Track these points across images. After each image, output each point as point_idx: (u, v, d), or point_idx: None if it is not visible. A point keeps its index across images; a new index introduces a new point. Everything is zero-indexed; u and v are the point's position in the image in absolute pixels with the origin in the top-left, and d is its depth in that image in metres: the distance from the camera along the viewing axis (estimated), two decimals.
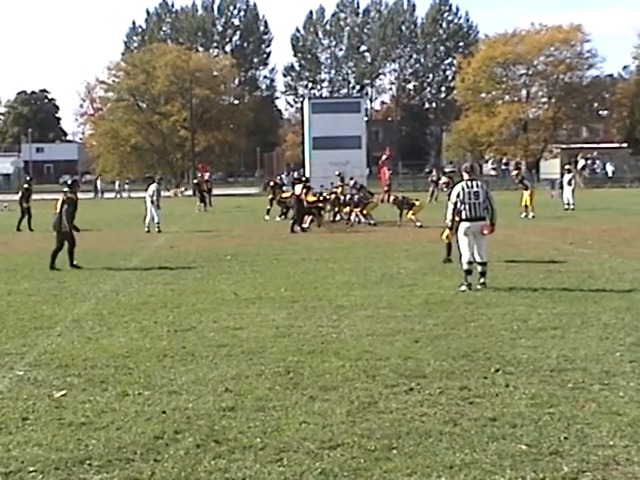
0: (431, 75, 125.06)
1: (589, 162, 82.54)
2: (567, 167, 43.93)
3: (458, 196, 14.77)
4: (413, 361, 9.33)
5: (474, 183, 14.88)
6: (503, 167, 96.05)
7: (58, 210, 18.66)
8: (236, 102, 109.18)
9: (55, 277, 17.43)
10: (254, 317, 12.34)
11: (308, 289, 15.03)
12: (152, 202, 30.37)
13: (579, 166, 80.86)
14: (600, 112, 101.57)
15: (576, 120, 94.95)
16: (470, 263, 14.59)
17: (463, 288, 14.37)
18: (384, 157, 39.04)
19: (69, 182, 19.85)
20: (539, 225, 28.75)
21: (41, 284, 16.41)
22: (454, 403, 7.71)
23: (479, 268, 14.60)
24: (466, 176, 15.02)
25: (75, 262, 18.67)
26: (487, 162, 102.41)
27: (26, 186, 33.94)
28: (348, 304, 13.28)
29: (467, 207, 14.65)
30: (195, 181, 39.75)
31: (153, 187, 30.97)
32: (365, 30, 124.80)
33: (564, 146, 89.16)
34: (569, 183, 38.46)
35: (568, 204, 37.35)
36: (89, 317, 12.64)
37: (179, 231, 30.19)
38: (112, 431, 7.07)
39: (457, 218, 14.91)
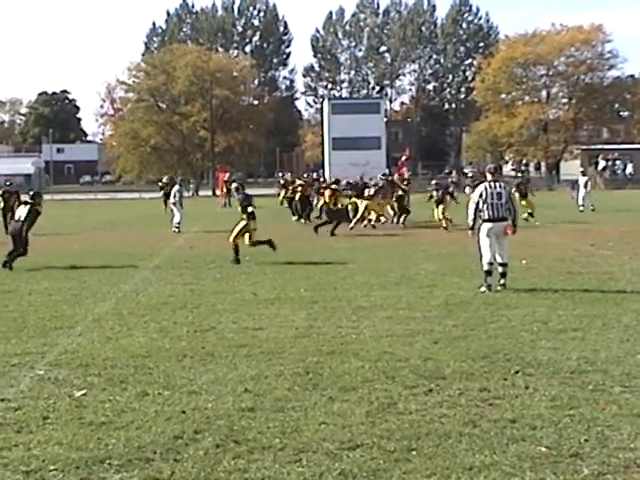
0: (451, 76, 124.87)
1: (610, 163, 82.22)
2: (582, 170, 43.79)
3: (480, 196, 14.68)
4: (432, 362, 9.31)
5: (497, 184, 14.79)
6: (523, 168, 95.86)
7: (22, 218, 19.40)
8: (256, 103, 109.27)
9: (75, 277, 17.49)
10: (273, 318, 12.34)
11: (327, 290, 15.03)
12: (174, 203, 30.67)
13: (599, 167, 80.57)
14: (621, 113, 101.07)
15: (597, 121, 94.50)
16: (491, 264, 14.49)
17: (483, 289, 14.31)
18: (403, 158, 38.90)
19: (31, 194, 20.39)
20: (559, 226, 28.63)
21: (61, 284, 16.48)
22: (474, 404, 7.68)
23: (500, 269, 14.51)
24: (489, 177, 14.95)
25: (10, 265, 19.16)
26: (507, 163, 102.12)
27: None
28: (367, 305, 13.27)
29: (490, 207, 14.56)
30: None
31: (175, 188, 31.30)
32: (385, 31, 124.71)
33: (584, 147, 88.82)
34: (585, 186, 38.42)
35: (583, 205, 37.44)
36: (109, 317, 12.67)
37: (199, 231, 30.25)
38: (132, 430, 7.08)
39: (479, 219, 14.81)
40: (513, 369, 8.92)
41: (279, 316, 12.46)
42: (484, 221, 14.64)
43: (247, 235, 19.98)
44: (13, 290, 15.81)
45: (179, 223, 30.12)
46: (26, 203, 19.89)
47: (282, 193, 43.51)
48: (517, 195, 29.30)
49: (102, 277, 17.44)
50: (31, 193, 20.47)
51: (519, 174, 42.30)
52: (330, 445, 6.64)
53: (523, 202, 30.11)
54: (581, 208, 37.39)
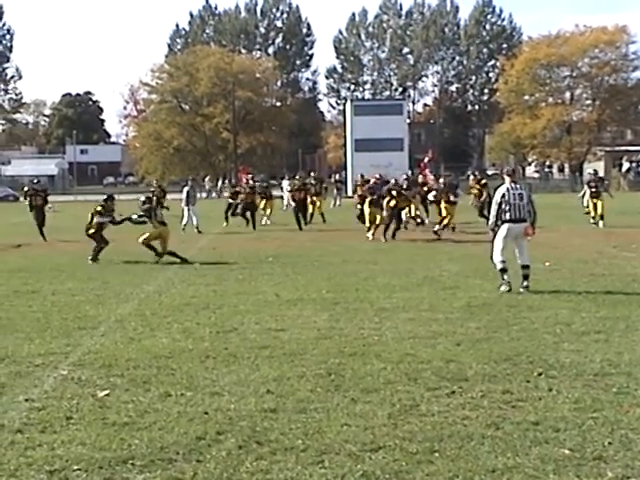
0: (474, 77, 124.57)
1: (634, 165, 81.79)
2: (589, 172, 43.20)
3: (503, 197, 14.65)
4: (455, 364, 9.29)
5: (518, 185, 14.81)
6: (546, 170, 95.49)
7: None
8: (278, 104, 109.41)
9: (98, 277, 17.57)
10: (296, 319, 12.35)
11: (349, 291, 15.03)
12: (186, 204, 30.96)
13: (624, 169, 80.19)
14: None
15: (621, 122, 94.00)
16: (504, 262, 14.50)
17: (504, 288, 14.32)
18: (426, 159, 38.77)
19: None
20: (582, 228, 28.51)
21: (84, 284, 16.55)
22: (496, 407, 7.66)
23: (521, 271, 14.46)
24: (508, 179, 14.92)
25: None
26: (530, 165, 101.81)
27: None
28: (390, 306, 13.26)
29: (511, 208, 14.55)
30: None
31: (185, 190, 31.52)
32: (408, 32, 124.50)
33: (608, 149, 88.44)
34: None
35: (588, 207, 36.77)
36: (132, 318, 12.72)
37: (221, 232, 30.32)
38: (155, 431, 7.10)
39: (500, 219, 14.78)
40: (536, 371, 8.89)
41: (301, 317, 12.47)
42: (505, 222, 14.60)
43: (144, 235, 21.08)
44: (37, 290, 15.88)
45: (185, 224, 30.44)
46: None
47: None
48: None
49: (125, 278, 17.50)
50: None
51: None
52: (352, 447, 6.63)
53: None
54: (586, 210, 36.73)
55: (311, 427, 7.13)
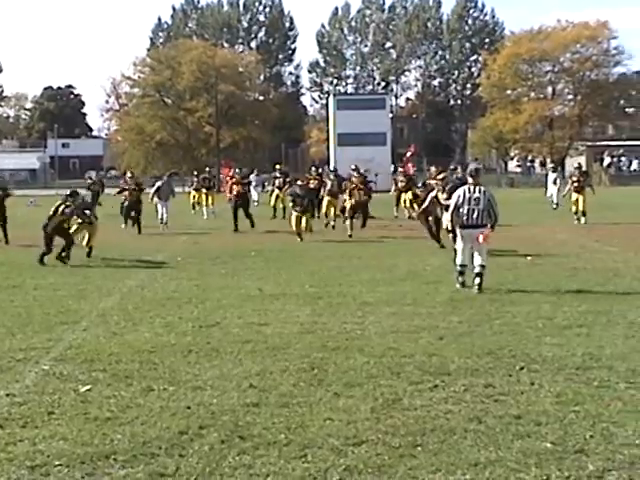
0: (456, 72, 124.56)
1: (615, 160, 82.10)
2: (552, 166, 43.15)
3: (457, 200, 14.34)
4: (437, 358, 9.31)
5: (476, 188, 14.34)
6: (528, 164, 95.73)
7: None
8: (261, 98, 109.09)
9: (80, 272, 17.51)
10: (278, 313, 12.35)
11: (332, 285, 15.03)
12: (158, 198, 30.31)
13: (605, 163, 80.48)
14: (627, 109, 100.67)
15: (602, 117, 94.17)
16: (462, 266, 14.35)
17: (457, 286, 14.27)
18: (409, 154, 38.85)
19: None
20: (565, 223, 28.58)
21: (67, 279, 16.50)
22: (479, 401, 7.68)
23: (476, 269, 14.07)
24: (470, 180, 14.58)
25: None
26: (512, 159, 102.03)
27: None
28: (373, 301, 13.27)
29: (465, 212, 14.18)
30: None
31: (157, 184, 31.20)
32: (390, 27, 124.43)
33: (590, 143, 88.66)
34: (554, 182, 37.76)
35: (557, 204, 36.38)
36: (114, 312, 12.69)
37: (204, 227, 30.25)
38: (137, 426, 7.09)
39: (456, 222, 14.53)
40: (518, 365, 8.93)
41: (284, 312, 12.47)
42: (460, 226, 14.37)
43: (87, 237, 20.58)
44: (18, 285, 15.82)
45: (160, 218, 29.64)
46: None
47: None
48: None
49: (107, 272, 17.46)
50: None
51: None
52: (335, 441, 6.64)
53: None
54: (554, 206, 36.47)
55: (294, 421, 7.14)
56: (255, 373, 8.80)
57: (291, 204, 24.49)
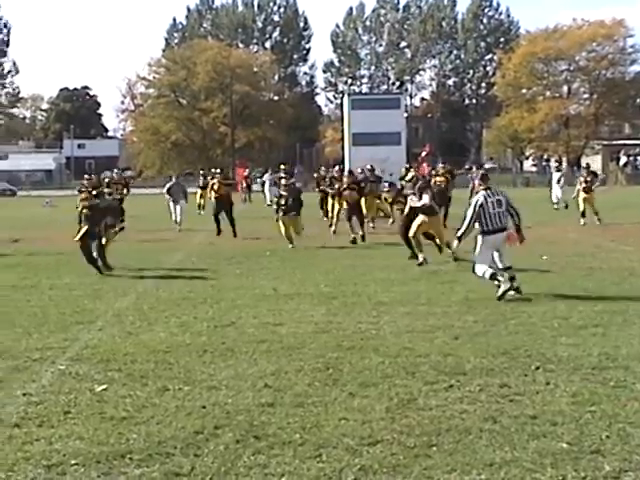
0: (471, 71, 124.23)
1: (631, 159, 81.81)
2: (556, 165, 42.73)
3: (481, 207, 13.45)
4: (453, 358, 9.29)
5: (493, 191, 13.80)
6: (544, 164, 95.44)
7: None
8: (276, 98, 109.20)
9: (96, 272, 17.53)
10: (293, 313, 12.35)
11: (347, 285, 15.03)
12: (169, 199, 30.37)
13: (621, 163, 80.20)
14: None
15: (618, 116, 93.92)
16: (490, 267, 13.51)
17: (504, 287, 13.17)
18: (424, 153, 38.88)
19: None
20: (580, 222, 28.47)
21: (82, 279, 16.54)
22: (494, 400, 7.67)
23: (507, 274, 13.50)
24: (482, 185, 14.00)
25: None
26: (528, 159, 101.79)
27: None
28: (387, 300, 13.25)
29: (492, 218, 13.44)
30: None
31: (167, 185, 31.17)
32: (405, 26, 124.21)
33: (606, 142, 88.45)
34: (558, 181, 37.43)
35: (557, 203, 36.03)
36: (130, 312, 12.72)
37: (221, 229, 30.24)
38: (152, 425, 7.11)
39: (472, 230, 13.72)
40: (534, 365, 8.90)
41: (299, 311, 12.47)
42: (486, 233, 13.52)
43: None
44: (34, 285, 15.88)
45: (174, 219, 29.61)
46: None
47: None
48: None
49: (123, 272, 17.48)
50: None
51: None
52: (350, 441, 6.64)
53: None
54: (555, 206, 35.95)
55: (309, 421, 7.14)
56: (270, 373, 8.80)
57: (275, 206, 23.15)
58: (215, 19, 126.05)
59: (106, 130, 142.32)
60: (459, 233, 13.93)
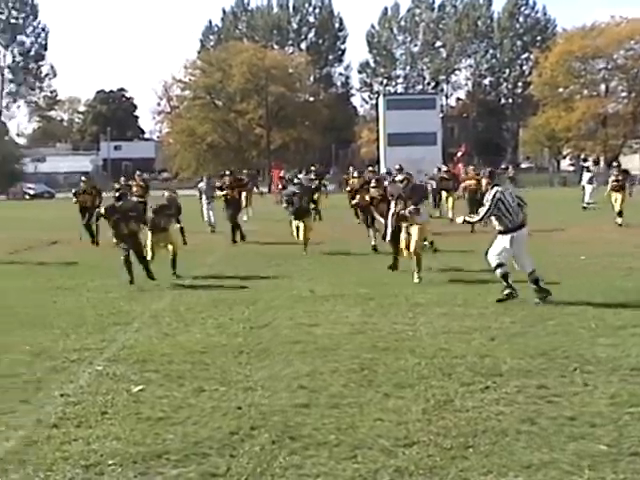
0: (507, 70, 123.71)
1: None
2: (587, 165, 41.86)
3: (500, 200, 12.92)
4: (490, 359, 9.24)
5: (504, 187, 13.44)
6: (581, 163, 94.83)
7: None
8: (311, 99, 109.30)
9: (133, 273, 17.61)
10: (329, 314, 12.34)
11: (383, 286, 14.99)
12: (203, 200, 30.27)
13: None
14: None
15: None
16: (503, 265, 12.90)
17: (507, 292, 12.86)
18: (459, 153, 38.88)
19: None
20: (617, 222, 28.23)
21: (118, 280, 16.60)
22: (531, 402, 7.62)
23: (530, 277, 12.91)
24: (491, 182, 13.35)
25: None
26: (564, 158, 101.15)
27: None
28: (424, 302, 13.20)
29: (512, 214, 12.95)
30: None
31: (198, 186, 31.07)
32: (440, 26, 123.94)
33: None
34: (589, 182, 36.94)
35: (590, 203, 35.49)
36: (166, 313, 12.77)
37: (257, 230, 30.32)
38: (189, 426, 7.13)
39: (497, 228, 13.13)
40: (571, 366, 8.83)
41: (334, 313, 12.46)
42: (508, 231, 12.94)
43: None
44: (72, 287, 15.98)
45: (207, 220, 29.44)
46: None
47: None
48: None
49: (159, 274, 17.53)
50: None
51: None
52: (386, 442, 6.62)
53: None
54: (585, 205, 35.65)
55: (344, 422, 7.12)
56: (305, 374, 8.80)
57: (284, 205, 21.74)
58: (250, 21, 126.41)
59: (142, 132, 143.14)
60: (469, 218, 14.27)
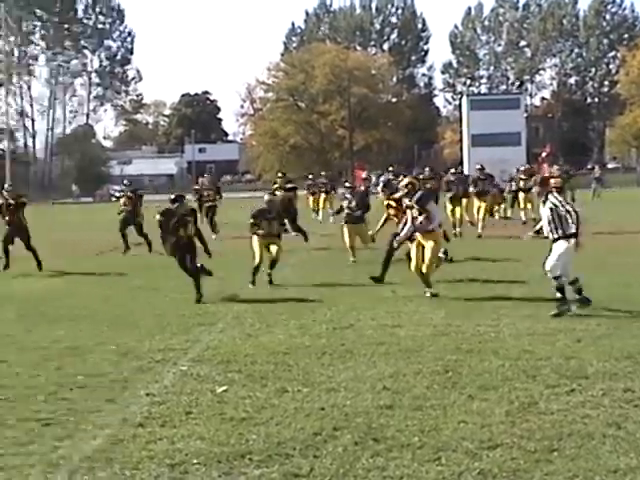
0: (593, 69, 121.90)
1: None
2: None
3: (570, 205, 12.41)
4: (575, 361, 9.13)
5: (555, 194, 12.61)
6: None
7: None
8: (394, 100, 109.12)
9: (215, 274, 17.76)
10: (412, 315, 12.31)
11: (466, 288, 14.89)
12: None
13: None
14: None
15: None
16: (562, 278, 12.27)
17: (573, 309, 12.08)
18: (544, 154, 38.42)
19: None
20: None
21: (202, 281, 16.74)
22: (618, 405, 7.50)
23: (574, 287, 12.39)
24: (543, 190, 12.68)
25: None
26: None
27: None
28: (508, 303, 13.08)
29: (573, 220, 12.15)
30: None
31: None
32: (525, 25, 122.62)
33: None
34: None
35: None
36: (249, 314, 12.86)
37: (334, 234, 30.31)
38: (272, 427, 7.17)
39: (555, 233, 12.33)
40: None
41: (418, 314, 12.42)
42: (571, 236, 12.19)
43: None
44: (156, 288, 16.19)
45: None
46: None
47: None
48: None
49: (241, 275, 17.66)
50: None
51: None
52: (469, 444, 6.58)
53: None
54: None
55: (427, 424, 7.10)
56: (388, 375, 8.79)
57: (332, 212, 19.07)
58: (333, 22, 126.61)
59: (226, 134, 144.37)
60: (544, 233, 12.76)
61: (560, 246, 12.30)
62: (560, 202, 12.38)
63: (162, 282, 16.89)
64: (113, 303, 14.56)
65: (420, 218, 14.03)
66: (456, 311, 12.56)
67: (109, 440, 6.96)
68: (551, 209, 12.34)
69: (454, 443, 6.62)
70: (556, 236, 12.33)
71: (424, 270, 14.02)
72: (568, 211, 12.21)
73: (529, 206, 29.02)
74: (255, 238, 16.62)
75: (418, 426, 7.05)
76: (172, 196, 15.95)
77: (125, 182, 27.86)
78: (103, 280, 17.88)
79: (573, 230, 12.12)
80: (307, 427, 7.11)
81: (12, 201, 20.34)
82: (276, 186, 26.16)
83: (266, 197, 17.62)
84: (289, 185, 27.62)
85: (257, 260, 16.37)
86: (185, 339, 11.07)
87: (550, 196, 12.53)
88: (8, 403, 8.18)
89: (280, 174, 27.97)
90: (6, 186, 23.93)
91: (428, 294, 14.03)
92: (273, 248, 16.54)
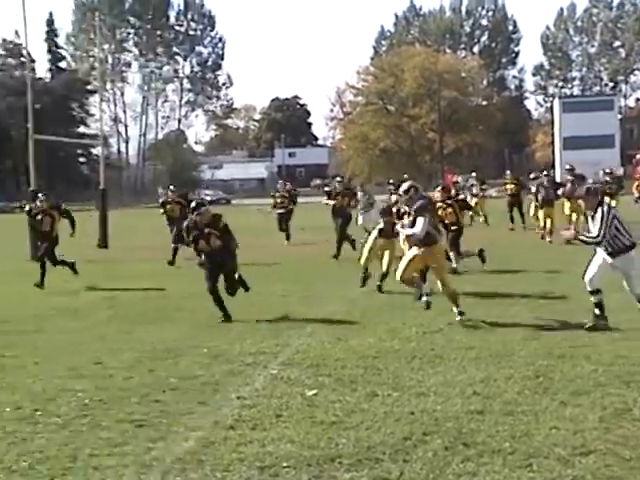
0: None
1: None
2: None
3: (615, 217, 11.46)
4: None
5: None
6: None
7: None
8: (484, 103, 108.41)
9: (303, 279, 17.87)
10: (501, 319, 12.18)
11: (557, 291, 14.70)
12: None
13: None
14: None
15: None
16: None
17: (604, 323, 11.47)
18: (638, 156, 37.69)
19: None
20: None
21: (291, 285, 16.88)
22: None
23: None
24: (589, 202, 11.79)
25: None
26: None
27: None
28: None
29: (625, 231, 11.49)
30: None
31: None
32: (619, 25, 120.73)
33: None
34: None
35: None
36: (337, 318, 12.87)
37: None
38: (361, 431, 7.17)
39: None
40: None
41: (507, 317, 12.29)
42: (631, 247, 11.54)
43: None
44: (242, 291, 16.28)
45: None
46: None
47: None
48: None
49: (330, 280, 17.70)
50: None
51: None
52: (562, 450, 6.49)
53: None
54: None
55: (519, 430, 7.02)
56: (479, 380, 8.72)
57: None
58: (423, 25, 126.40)
59: (316, 138, 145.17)
60: (583, 237, 12.10)
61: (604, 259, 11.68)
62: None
63: (254, 286, 16.97)
64: (202, 305, 14.59)
65: (406, 222, 12.78)
66: (547, 315, 12.40)
67: (200, 442, 7.03)
68: (614, 216, 11.44)
69: (546, 449, 6.54)
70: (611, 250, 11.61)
71: (448, 295, 12.57)
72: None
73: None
74: (371, 239, 16.31)
75: (509, 432, 6.99)
76: (193, 204, 14.18)
77: (170, 187, 26.77)
78: (194, 282, 18.06)
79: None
80: (397, 431, 7.09)
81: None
82: (336, 191, 25.34)
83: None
84: (347, 190, 26.31)
85: (384, 268, 15.85)
86: (275, 343, 11.13)
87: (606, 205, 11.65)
88: (103, 405, 8.33)
89: (339, 179, 27.46)
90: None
91: (458, 318, 12.23)
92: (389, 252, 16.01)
